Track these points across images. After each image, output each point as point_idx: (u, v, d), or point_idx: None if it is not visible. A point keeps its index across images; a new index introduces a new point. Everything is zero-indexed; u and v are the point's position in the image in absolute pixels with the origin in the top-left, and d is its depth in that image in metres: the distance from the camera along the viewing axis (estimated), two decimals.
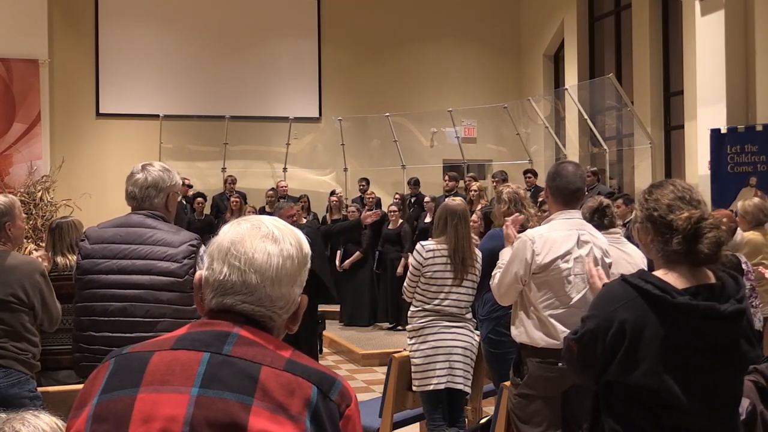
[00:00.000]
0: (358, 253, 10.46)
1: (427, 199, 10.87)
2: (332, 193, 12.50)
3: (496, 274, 3.81)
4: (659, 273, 2.22)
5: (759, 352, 2.32)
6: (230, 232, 1.55)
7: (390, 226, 10.44)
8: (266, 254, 1.51)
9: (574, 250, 3.57)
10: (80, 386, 3.86)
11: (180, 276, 3.25)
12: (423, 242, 4.79)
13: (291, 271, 1.53)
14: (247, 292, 1.50)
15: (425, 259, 4.65)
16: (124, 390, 1.43)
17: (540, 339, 3.59)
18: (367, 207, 11.45)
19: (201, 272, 1.57)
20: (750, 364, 2.31)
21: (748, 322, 2.22)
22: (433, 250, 4.67)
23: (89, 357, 3.29)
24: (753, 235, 5.87)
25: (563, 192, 3.66)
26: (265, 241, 1.52)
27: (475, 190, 9.92)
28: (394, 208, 10.56)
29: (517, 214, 4.48)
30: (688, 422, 2.18)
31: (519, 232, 3.96)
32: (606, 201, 4.38)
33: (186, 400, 1.39)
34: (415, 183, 12.34)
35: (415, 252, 4.75)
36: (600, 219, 4.22)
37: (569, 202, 3.68)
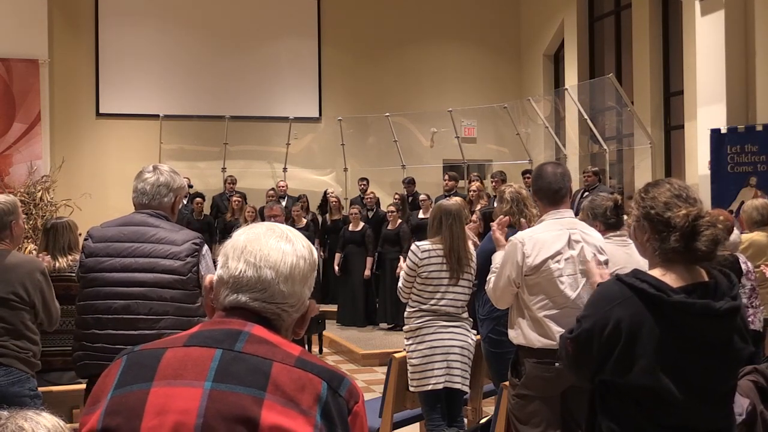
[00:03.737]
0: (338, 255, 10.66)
1: (422, 196, 10.88)
2: (326, 192, 12.51)
3: (491, 278, 3.82)
4: (655, 272, 2.23)
5: (753, 349, 2.32)
6: (245, 233, 1.60)
7: (389, 227, 10.46)
8: (281, 252, 1.56)
9: (565, 250, 3.58)
10: (80, 386, 3.87)
11: (183, 274, 3.27)
12: (418, 242, 4.79)
13: (303, 270, 1.58)
14: (261, 289, 1.54)
15: (421, 259, 4.65)
16: (138, 384, 1.46)
17: (536, 340, 3.59)
18: (367, 207, 11.48)
19: (212, 276, 1.61)
20: (744, 360, 2.32)
21: (741, 320, 2.22)
22: (429, 250, 4.68)
23: (91, 355, 3.31)
24: (757, 236, 5.84)
25: (546, 193, 3.69)
26: (279, 241, 1.58)
27: (475, 191, 9.93)
28: (392, 208, 10.58)
29: (502, 216, 4.47)
30: (685, 419, 2.18)
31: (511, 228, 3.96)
32: (620, 198, 4.40)
33: (199, 393, 1.42)
34: (409, 182, 12.33)
35: (410, 252, 4.75)
36: (617, 217, 4.24)
37: (555, 202, 3.69)
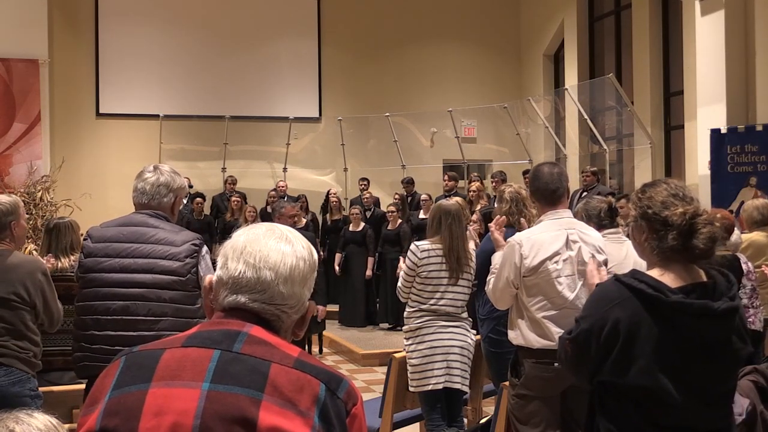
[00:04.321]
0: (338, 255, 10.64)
1: (424, 197, 10.89)
2: (328, 192, 12.51)
3: (490, 279, 3.82)
4: (653, 272, 2.23)
5: (751, 350, 2.32)
6: (244, 234, 1.59)
7: (389, 227, 10.46)
8: (281, 253, 1.55)
9: (563, 251, 3.58)
10: (79, 386, 3.87)
11: (182, 275, 3.27)
12: (417, 242, 4.79)
13: (303, 271, 1.57)
14: (260, 290, 1.53)
15: (420, 259, 4.65)
16: (136, 385, 1.45)
17: (535, 341, 3.59)
18: (365, 207, 11.47)
19: (211, 276, 1.60)
20: (743, 360, 2.32)
21: (740, 320, 2.22)
22: (428, 250, 4.68)
23: (90, 356, 3.30)
24: (756, 236, 5.84)
25: (543, 193, 3.70)
26: (279, 242, 1.57)
27: (474, 191, 9.93)
28: (392, 208, 10.57)
29: (499, 216, 4.46)
30: (683, 420, 2.18)
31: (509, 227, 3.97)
32: (613, 200, 4.44)
33: (197, 394, 1.42)
34: (408, 182, 12.33)
35: (409, 252, 4.75)
36: (610, 218, 4.27)
37: (553, 203, 3.70)
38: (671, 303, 2.14)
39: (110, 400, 1.46)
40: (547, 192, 3.69)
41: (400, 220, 10.50)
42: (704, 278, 2.23)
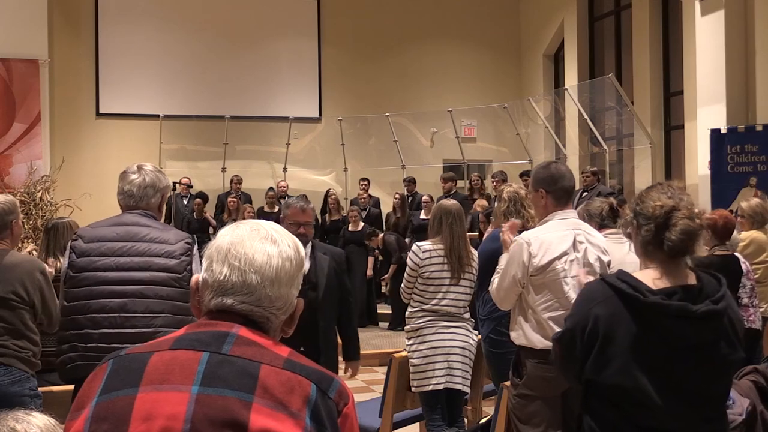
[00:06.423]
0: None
1: (425, 198, 10.90)
2: (327, 193, 12.51)
3: (495, 279, 3.81)
4: (639, 273, 2.23)
5: (743, 355, 2.30)
6: (229, 234, 1.56)
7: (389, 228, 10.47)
8: (266, 255, 1.52)
9: (571, 252, 3.58)
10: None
11: (179, 272, 3.28)
12: (419, 243, 4.80)
13: (290, 272, 1.54)
14: (247, 293, 1.51)
15: (422, 259, 4.65)
16: (124, 390, 1.43)
17: (538, 341, 3.58)
18: (360, 206, 11.48)
19: (197, 276, 1.57)
20: (732, 365, 2.30)
21: (730, 324, 2.21)
22: (430, 250, 4.68)
23: (85, 356, 3.28)
24: (756, 234, 5.86)
25: (566, 191, 3.67)
26: (264, 243, 1.54)
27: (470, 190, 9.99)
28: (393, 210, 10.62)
29: (515, 219, 4.45)
30: (664, 422, 2.17)
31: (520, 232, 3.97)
32: (615, 202, 4.48)
33: (186, 398, 1.39)
34: (410, 181, 12.33)
35: (411, 253, 4.75)
36: (614, 219, 4.29)
37: (569, 201, 3.70)
38: (648, 303, 2.14)
39: (98, 405, 1.43)
40: (568, 190, 3.68)
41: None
42: (693, 281, 2.22)
